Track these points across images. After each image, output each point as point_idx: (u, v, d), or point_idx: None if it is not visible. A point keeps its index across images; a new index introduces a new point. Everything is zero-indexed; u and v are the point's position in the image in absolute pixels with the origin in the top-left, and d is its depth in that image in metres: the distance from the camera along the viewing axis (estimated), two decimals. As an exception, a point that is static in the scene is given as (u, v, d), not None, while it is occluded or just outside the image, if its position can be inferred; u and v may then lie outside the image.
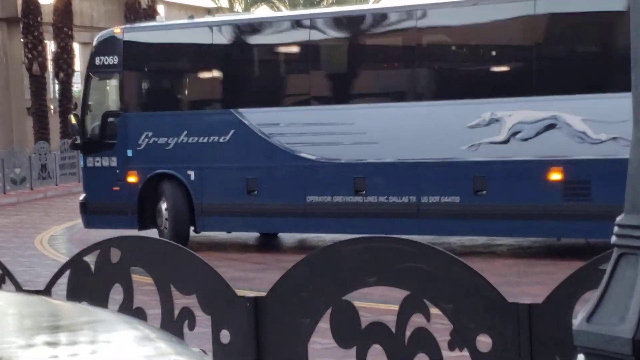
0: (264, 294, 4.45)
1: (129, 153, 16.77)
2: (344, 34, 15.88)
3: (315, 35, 15.66)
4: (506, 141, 13.99)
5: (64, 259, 8.84)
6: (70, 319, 2.12)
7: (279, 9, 52.86)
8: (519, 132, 13.90)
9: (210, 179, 16.21)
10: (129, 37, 17.02)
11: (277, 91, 16.31)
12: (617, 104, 12.63)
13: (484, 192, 14.06)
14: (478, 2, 14.44)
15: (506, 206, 14.06)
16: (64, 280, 4.85)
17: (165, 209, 16.61)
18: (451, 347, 4.08)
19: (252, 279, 13.00)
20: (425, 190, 14.53)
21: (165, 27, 17.75)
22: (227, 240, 17.45)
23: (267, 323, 4.38)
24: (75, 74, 38.79)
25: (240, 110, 15.91)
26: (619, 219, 2.75)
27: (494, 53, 14.96)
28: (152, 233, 15.96)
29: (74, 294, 4.65)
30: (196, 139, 16.27)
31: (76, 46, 40.19)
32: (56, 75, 36.75)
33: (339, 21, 15.77)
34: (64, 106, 35.66)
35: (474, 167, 14.06)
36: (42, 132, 34.25)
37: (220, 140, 16.06)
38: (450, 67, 15.18)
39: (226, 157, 15.97)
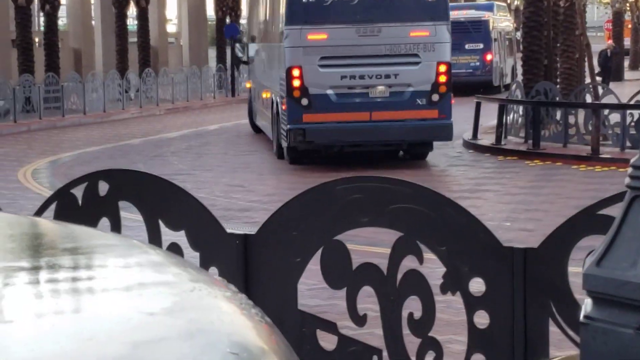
0: (254, 231, 4.38)
1: None
2: None
3: None
4: None
5: (48, 193, 8.75)
6: (80, 241, 2.04)
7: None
8: None
9: None
10: None
11: None
12: None
13: None
14: None
15: None
16: (49, 214, 4.75)
17: None
18: (443, 290, 4.02)
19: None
20: None
21: None
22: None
23: (257, 261, 4.31)
24: (61, 7, 38.36)
25: None
26: (633, 160, 2.67)
27: None
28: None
29: (59, 227, 4.56)
30: None
31: (62, -21, 39.75)
32: (42, 8, 36.32)
33: None
34: (49, 39, 35.29)
35: None
36: (26, 65, 33.91)
37: None
38: None
39: None
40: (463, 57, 40.59)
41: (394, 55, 18.38)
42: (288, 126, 18.57)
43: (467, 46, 41.34)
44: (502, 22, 45.49)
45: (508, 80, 43.15)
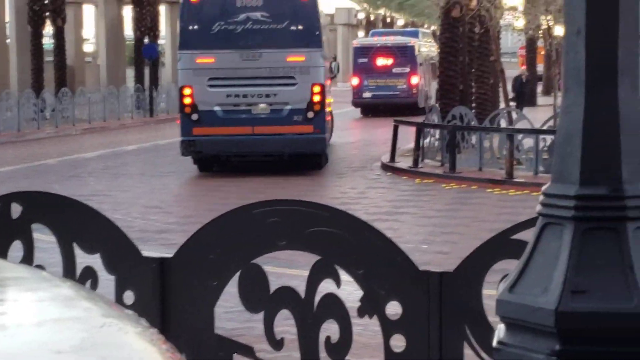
0: (170, 254, 4.34)
1: None
2: None
3: None
4: None
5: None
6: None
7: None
8: None
9: None
10: None
11: None
12: None
13: None
14: None
15: None
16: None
17: None
18: (361, 313, 4.03)
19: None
20: None
21: None
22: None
23: (173, 285, 4.28)
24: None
25: None
26: (545, 187, 2.72)
27: None
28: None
29: (-29, 250, 4.48)
30: None
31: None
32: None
33: None
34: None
35: None
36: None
37: None
38: None
39: None
40: (390, 80, 43.25)
41: (274, 77, 20.83)
42: (181, 138, 21.22)
43: (394, 70, 43.73)
44: (426, 47, 47.71)
45: (433, 102, 44.22)
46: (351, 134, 33.47)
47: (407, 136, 23.11)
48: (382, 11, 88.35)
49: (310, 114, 20.86)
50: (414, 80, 43.88)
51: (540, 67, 60.22)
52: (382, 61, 43.99)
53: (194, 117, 20.86)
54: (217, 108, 20.85)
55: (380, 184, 19.75)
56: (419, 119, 24.03)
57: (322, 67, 21.29)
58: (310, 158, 21.47)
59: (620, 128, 2.66)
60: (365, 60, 43.75)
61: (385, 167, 21.71)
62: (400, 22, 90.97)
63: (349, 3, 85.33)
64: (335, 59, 40.56)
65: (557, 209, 2.62)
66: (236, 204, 4.36)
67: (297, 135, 20.83)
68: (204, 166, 21.65)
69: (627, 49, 2.68)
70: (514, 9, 31.68)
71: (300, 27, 20.97)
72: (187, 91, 20.94)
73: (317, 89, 20.91)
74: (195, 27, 21.03)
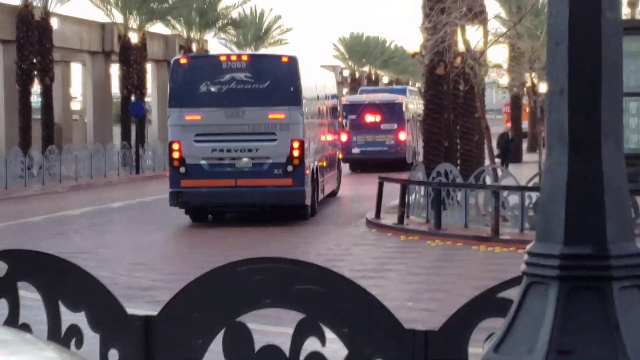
0: (155, 312, 4.32)
1: None
2: None
3: None
4: None
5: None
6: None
7: (174, 27, 52.67)
8: None
9: None
10: None
11: None
12: None
13: None
14: None
15: None
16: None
17: None
18: (346, 372, 4.00)
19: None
20: None
21: None
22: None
23: (158, 343, 4.25)
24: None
25: None
26: (529, 246, 2.71)
27: None
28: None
29: (-46, 308, 4.46)
30: None
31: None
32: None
33: None
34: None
35: None
36: None
37: None
38: None
39: None
40: (379, 136, 44.52)
41: (256, 134, 22.16)
42: (169, 190, 22.40)
43: (382, 126, 44.79)
44: (414, 104, 48.57)
45: (420, 158, 44.73)
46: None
47: (393, 192, 23.07)
48: (367, 68, 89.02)
49: (290, 168, 22.00)
50: (402, 136, 44.84)
51: (525, 124, 60.56)
52: (370, 118, 44.76)
53: (182, 170, 22.12)
54: (203, 162, 22.11)
55: (366, 241, 19.69)
56: (407, 175, 23.96)
57: (301, 123, 22.36)
58: (296, 210, 22.59)
59: (605, 187, 2.66)
60: (354, 116, 44.21)
61: (371, 224, 21.67)
62: (385, 79, 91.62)
63: (334, 60, 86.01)
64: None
65: (542, 268, 2.62)
66: (222, 260, 4.35)
67: (278, 188, 21.96)
68: (196, 216, 22.90)
69: (611, 109, 2.69)
70: (498, 66, 31.81)
71: (281, 86, 22.23)
72: (175, 146, 22.22)
73: (296, 144, 22.05)
74: (184, 86, 22.40)
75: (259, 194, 22.03)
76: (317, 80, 27.27)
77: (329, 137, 28.50)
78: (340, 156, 32.12)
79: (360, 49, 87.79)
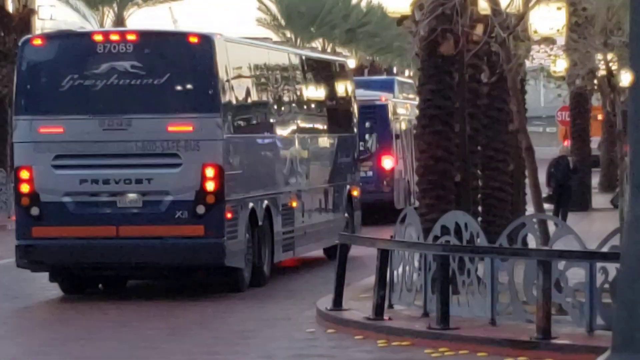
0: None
1: None
2: None
3: None
4: None
5: None
6: None
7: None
8: None
9: None
10: None
11: None
12: None
13: None
14: None
15: None
16: None
17: None
18: None
19: None
20: None
21: None
22: None
23: None
24: None
25: None
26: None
27: None
28: None
29: None
30: None
31: None
32: None
33: None
34: None
35: None
36: None
37: None
38: None
39: None
40: None
41: (148, 155, 17.67)
42: (16, 242, 17.67)
43: None
44: (406, 108, 33.65)
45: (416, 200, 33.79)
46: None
47: (366, 262, 18.04)
48: (318, 43, 60.63)
49: (201, 209, 17.40)
50: (387, 163, 30.86)
51: (596, 143, 41.45)
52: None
53: (34, 211, 17.63)
54: (66, 199, 17.65)
55: (315, 352, 13.93)
56: (391, 231, 17.03)
57: (220, 140, 17.63)
58: (224, 275, 17.98)
59: None
60: None
61: (326, 318, 15.80)
62: (352, 63, 60.44)
63: (258, 30, 60.13)
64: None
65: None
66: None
67: (181, 240, 17.42)
68: (68, 286, 18.17)
69: None
70: (549, 40, 22.36)
71: (187, 82, 17.83)
72: (24, 174, 17.60)
73: (210, 171, 17.41)
74: (38, 81, 17.74)
75: (151, 249, 17.42)
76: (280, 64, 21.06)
77: (324, 161, 22.19)
78: (356, 192, 23.76)
79: (307, 11, 59.76)
